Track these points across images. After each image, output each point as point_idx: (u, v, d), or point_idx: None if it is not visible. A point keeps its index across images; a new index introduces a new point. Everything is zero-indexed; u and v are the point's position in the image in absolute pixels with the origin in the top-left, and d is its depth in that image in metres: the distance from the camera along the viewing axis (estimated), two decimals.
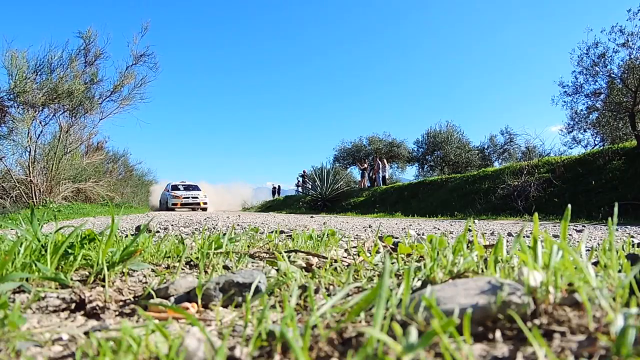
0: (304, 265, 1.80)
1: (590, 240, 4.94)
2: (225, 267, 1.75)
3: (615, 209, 1.09)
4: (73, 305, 1.15)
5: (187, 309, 1.11)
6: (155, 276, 1.58)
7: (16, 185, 17.60)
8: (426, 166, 35.25)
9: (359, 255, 1.94)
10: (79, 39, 18.00)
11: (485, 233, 6.10)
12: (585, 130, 21.46)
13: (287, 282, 1.35)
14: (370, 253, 1.98)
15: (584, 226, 8.20)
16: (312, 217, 15.80)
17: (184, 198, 27.87)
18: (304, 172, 33.18)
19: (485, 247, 1.77)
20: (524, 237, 1.22)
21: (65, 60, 17.69)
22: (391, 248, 2.23)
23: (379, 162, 28.33)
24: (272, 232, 3.38)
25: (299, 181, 34.73)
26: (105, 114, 19.12)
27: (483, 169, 23.51)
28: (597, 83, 18.93)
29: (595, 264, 1.34)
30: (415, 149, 36.28)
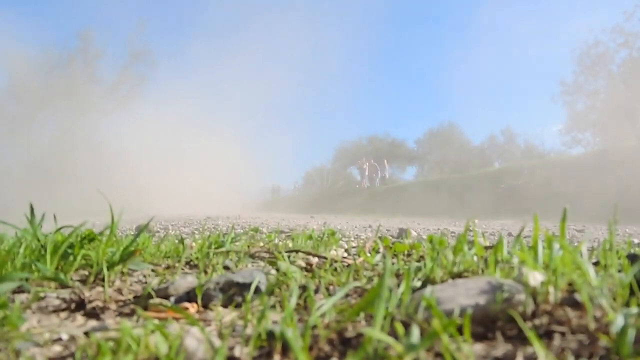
0: (304, 265, 1.80)
1: (590, 240, 4.95)
2: (225, 267, 1.75)
3: (616, 209, 1.09)
4: (73, 305, 1.14)
5: (187, 309, 1.11)
6: (155, 276, 1.58)
7: (16, 185, 17.63)
8: (426, 166, 35.29)
9: (359, 256, 1.94)
10: (78, 39, 18.03)
11: (485, 233, 6.10)
12: (584, 130, 21.45)
13: (287, 282, 1.35)
14: (370, 253, 1.98)
15: (584, 226, 8.21)
16: (312, 217, 15.80)
17: None
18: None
19: (486, 247, 1.77)
20: (524, 237, 1.22)
21: (64, 60, 17.75)
22: (391, 248, 2.23)
23: (375, 163, 28.30)
24: (272, 232, 3.38)
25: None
26: (104, 113, 19.14)
27: (483, 169, 23.52)
28: (597, 83, 18.93)
29: (596, 263, 1.34)
30: (416, 149, 36.33)
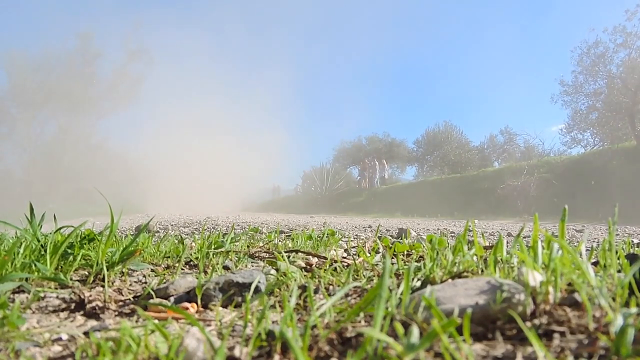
0: (304, 265, 1.79)
1: (589, 240, 4.95)
2: (225, 267, 1.75)
3: (616, 209, 1.09)
4: (73, 305, 1.14)
5: (187, 309, 1.11)
6: (155, 276, 1.58)
7: (16, 185, 17.63)
8: (426, 166, 35.24)
9: (358, 256, 1.94)
10: (77, 40, 18.03)
11: (485, 233, 6.10)
12: (584, 130, 21.46)
13: (287, 282, 1.35)
14: (370, 253, 1.98)
15: (584, 226, 8.21)
16: (312, 217, 15.80)
17: None
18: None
19: (485, 247, 1.77)
20: (523, 237, 1.22)
21: (63, 60, 17.75)
22: (390, 248, 2.23)
23: (375, 162, 28.27)
24: (271, 232, 3.38)
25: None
26: (103, 113, 19.15)
27: (483, 169, 23.54)
28: (597, 83, 18.93)
29: (595, 263, 1.34)
30: (415, 149, 36.28)
